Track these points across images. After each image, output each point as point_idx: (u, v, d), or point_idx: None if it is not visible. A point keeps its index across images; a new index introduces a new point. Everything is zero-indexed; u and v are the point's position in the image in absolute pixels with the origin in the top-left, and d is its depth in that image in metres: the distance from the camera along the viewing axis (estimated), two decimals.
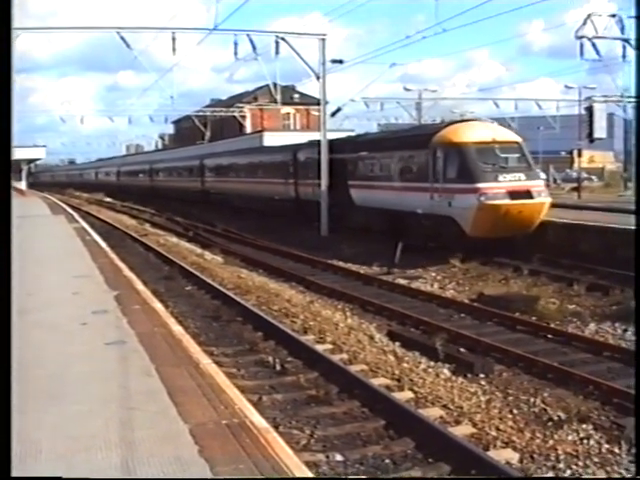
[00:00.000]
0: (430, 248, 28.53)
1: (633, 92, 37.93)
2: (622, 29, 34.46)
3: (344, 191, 36.51)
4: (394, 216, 31.39)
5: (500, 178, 27.00)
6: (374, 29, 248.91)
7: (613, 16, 34.75)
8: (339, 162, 37.76)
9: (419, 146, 30.25)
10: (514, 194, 26.59)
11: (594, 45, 34.93)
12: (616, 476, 9.51)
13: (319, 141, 39.43)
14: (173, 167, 78.48)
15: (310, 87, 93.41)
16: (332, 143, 40.55)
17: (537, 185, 28.14)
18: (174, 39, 37.00)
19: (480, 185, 26.62)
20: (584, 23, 34.15)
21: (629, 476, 9.41)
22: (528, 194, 26.98)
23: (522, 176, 27.46)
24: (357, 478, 9.21)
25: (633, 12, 33.85)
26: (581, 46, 34.94)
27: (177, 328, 13.04)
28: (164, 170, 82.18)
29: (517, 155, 28.50)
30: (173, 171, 77.96)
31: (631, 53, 35.23)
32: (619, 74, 49.20)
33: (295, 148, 44.98)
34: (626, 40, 34.72)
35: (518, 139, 29.29)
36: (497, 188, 26.62)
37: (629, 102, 51.74)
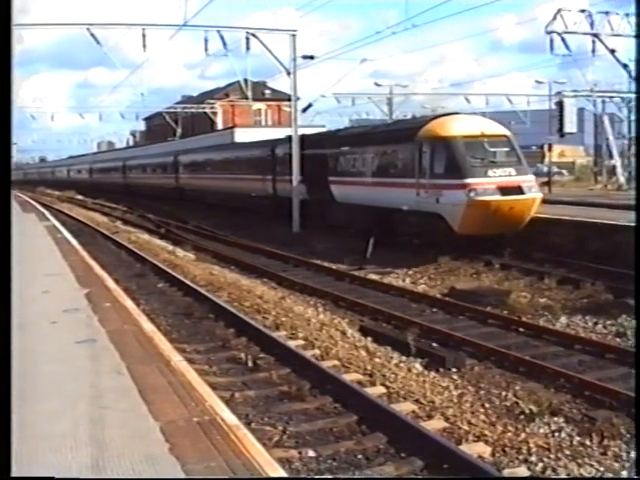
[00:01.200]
0: (402, 243, 28.46)
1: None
2: (591, 24, 34.63)
3: (324, 187, 35.45)
4: (378, 213, 30.28)
5: (490, 173, 26.03)
6: (347, 25, 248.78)
7: (583, 11, 34.91)
8: (319, 157, 36.81)
9: (404, 140, 29.29)
10: (505, 190, 25.70)
11: (564, 40, 35.06)
12: (610, 475, 9.54)
13: (299, 136, 39.36)
14: (147, 164, 77.50)
15: (281, 83, 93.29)
16: (311, 138, 40.10)
17: (528, 180, 26.96)
18: (144, 35, 36.82)
19: (469, 180, 25.63)
20: (554, 18, 34.28)
21: (627, 476, 9.45)
22: (519, 189, 26.05)
23: (512, 171, 26.46)
24: (323, 478, 9.21)
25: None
26: (551, 41, 35.05)
27: (148, 325, 12.99)
28: (137, 167, 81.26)
29: (506, 149, 27.37)
30: (147, 168, 77.05)
31: (601, 48, 35.42)
32: (589, 69, 49.40)
33: (273, 144, 44.10)
34: (595, 35, 34.89)
35: (507, 132, 28.42)
36: (487, 184, 25.65)
37: (599, 97, 52.00)
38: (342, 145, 34.96)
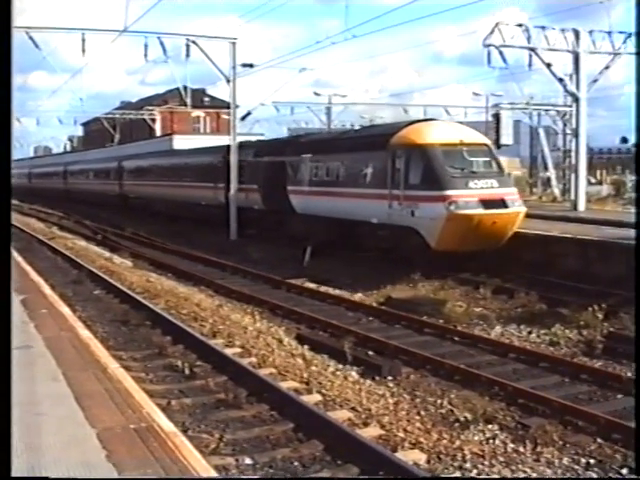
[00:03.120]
0: (339, 253, 28.41)
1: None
2: (528, 38, 34.98)
3: (282, 197, 32.93)
4: (343, 226, 28.28)
5: (471, 184, 23.94)
6: (289, 34, 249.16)
7: (520, 25, 35.26)
8: (277, 165, 34.24)
9: (375, 147, 26.99)
10: (487, 203, 23.63)
11: (501, 53, 35.35)
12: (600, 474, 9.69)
13: (254, 142, 38.90)
14: (89, 169, 74.72)
15: (222, 90, 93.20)
16: (269, 144, 38.99)
17: (511, 193, 25.08)
18: (84, 40, 36.61)
19: (449, 192, 23.48)
20: (492, 32, 34.54)
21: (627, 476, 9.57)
22: (502, 203, 24.03)
23: (494, 182, 24.50)
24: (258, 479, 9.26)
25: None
26: (488, 54, 35.32)
27: (85, 332, 12.93)
28: (80, 172, 78.35)
29: (487, 159, 25.47)
30: (89, 173, 74.26)
31: (537, 61, 35.80)
32: (527, 82, 50.02)
33: (226, 150, 41.22)
34: (532, 49, 35.26)
35: (487, 141, 26.76)
36: (468, 196, 23.54)
37: (535, 109, 52.58)
38: (303, 152, 32.59)
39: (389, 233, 25.80)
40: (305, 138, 38.67)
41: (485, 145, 26.11)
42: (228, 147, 41.78)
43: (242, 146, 39.93)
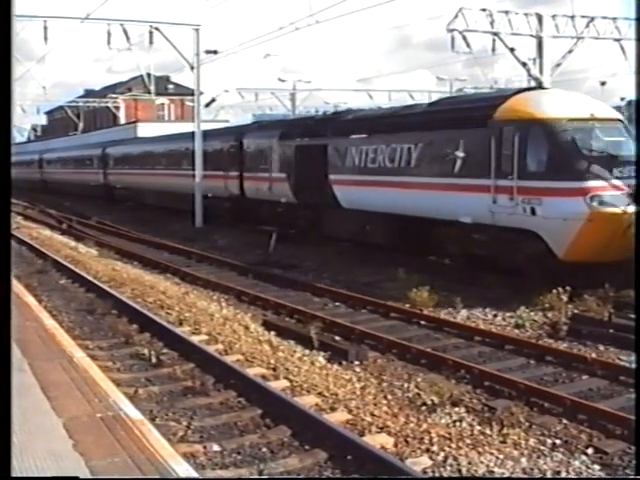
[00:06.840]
0: (305, 238, 28.30)
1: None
2: (492, 23, 35.06)
3: (322, 188, 27.47)
4: (413, 225, 23.00)
5: (616, 173, 18.24)
6: (258, 19, 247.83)
7: (484, 10, 35.35)
8: (315, 149, 28.47)
9: (468, 124, 21.06)
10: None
11: (465, 38, 35.40)
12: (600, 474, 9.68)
13: (280, 122, 37.48)
14: (69, 157, 69.33)
15: (186, 77, 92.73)
16: (300, 124, 33.12)
17: None
18: (46, 28, 36.42)
19: (591, 184, 18.07)
20: (456, 16, 34.61)
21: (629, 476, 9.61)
22: None
23: None
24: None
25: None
26: (452, 39, 35.38)
27: (50, 322, 12.91)
28: (57, 161, 73.70)
29: (624, 139, 19.56)
30: (68, 162, 68.98)
31: (501, 46, 35.95)
32: (494, 67, 50.20)
33: (240, 132, 36.82)
34: (495, 34, 35.36)
35: (620, 116, 20.88)
36: (615, 188, 18.01)
37: None
38: (353, 132, 26.75)
39: (490, 237, 20.52)
40: (354, 115, 30.55)
41: (620, 121, 20.33)
42: (243, 128, 38.78)
43: (262, 127, 35.96)
